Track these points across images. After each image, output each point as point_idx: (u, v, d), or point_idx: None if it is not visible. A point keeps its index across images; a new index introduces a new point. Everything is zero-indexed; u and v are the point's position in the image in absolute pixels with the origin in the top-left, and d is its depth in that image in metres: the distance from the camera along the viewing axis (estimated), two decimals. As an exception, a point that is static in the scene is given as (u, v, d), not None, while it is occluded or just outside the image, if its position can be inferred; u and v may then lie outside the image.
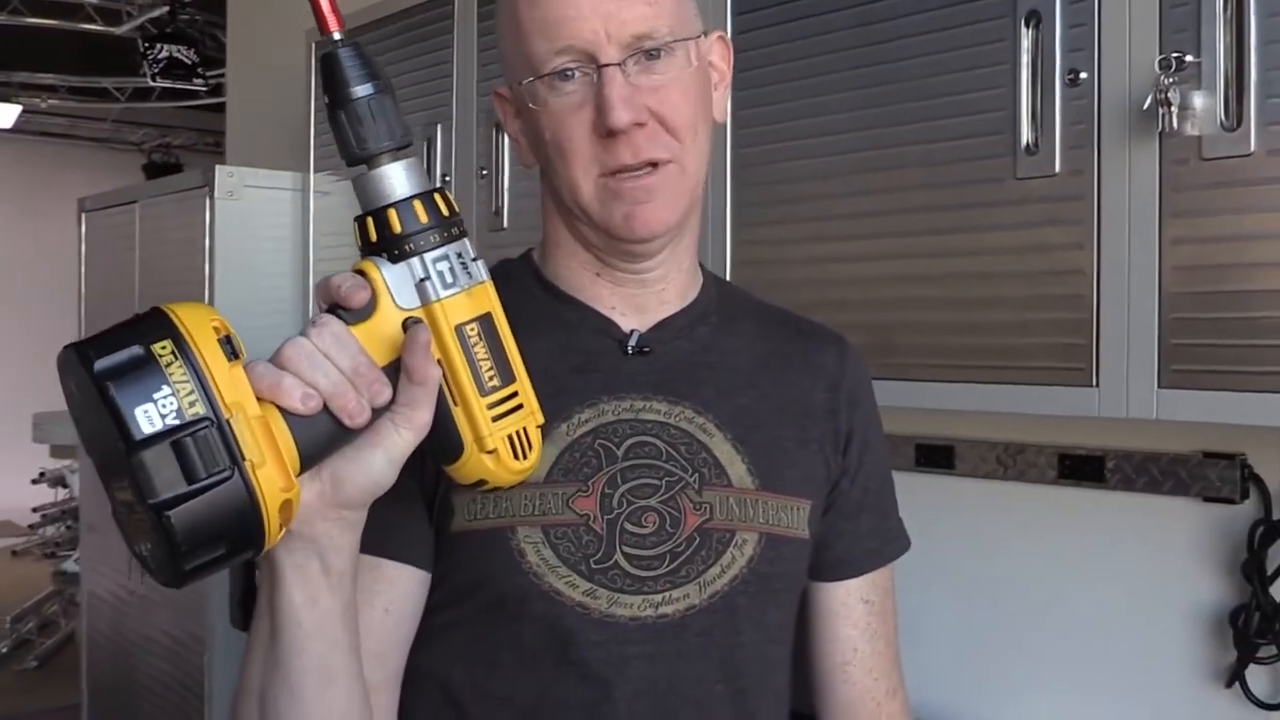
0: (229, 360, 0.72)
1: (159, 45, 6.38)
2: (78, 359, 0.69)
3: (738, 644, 0.99)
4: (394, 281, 0.80)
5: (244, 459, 0.71)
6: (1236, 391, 1.32)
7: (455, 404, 0.83)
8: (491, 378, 0.83)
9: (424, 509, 0.97)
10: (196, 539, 0.70)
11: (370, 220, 0.81)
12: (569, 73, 0.95)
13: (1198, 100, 1.32)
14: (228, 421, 0.70)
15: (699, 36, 1.00)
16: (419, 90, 2.51)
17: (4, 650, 5.89)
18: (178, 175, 3.45)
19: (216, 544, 0.71)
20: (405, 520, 0.96)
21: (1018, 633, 1.89)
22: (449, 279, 0.81)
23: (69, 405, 0.73)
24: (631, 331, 1.03)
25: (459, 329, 0.82)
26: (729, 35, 1.85)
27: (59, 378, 0.72)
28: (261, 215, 2.98)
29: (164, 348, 0.69)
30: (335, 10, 0.79)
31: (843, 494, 1.08)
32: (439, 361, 0.81)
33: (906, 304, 1.64)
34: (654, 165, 0.96)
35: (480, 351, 0.83)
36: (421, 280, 0.80)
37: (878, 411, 1.14)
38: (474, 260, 0.83)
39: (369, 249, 0.81)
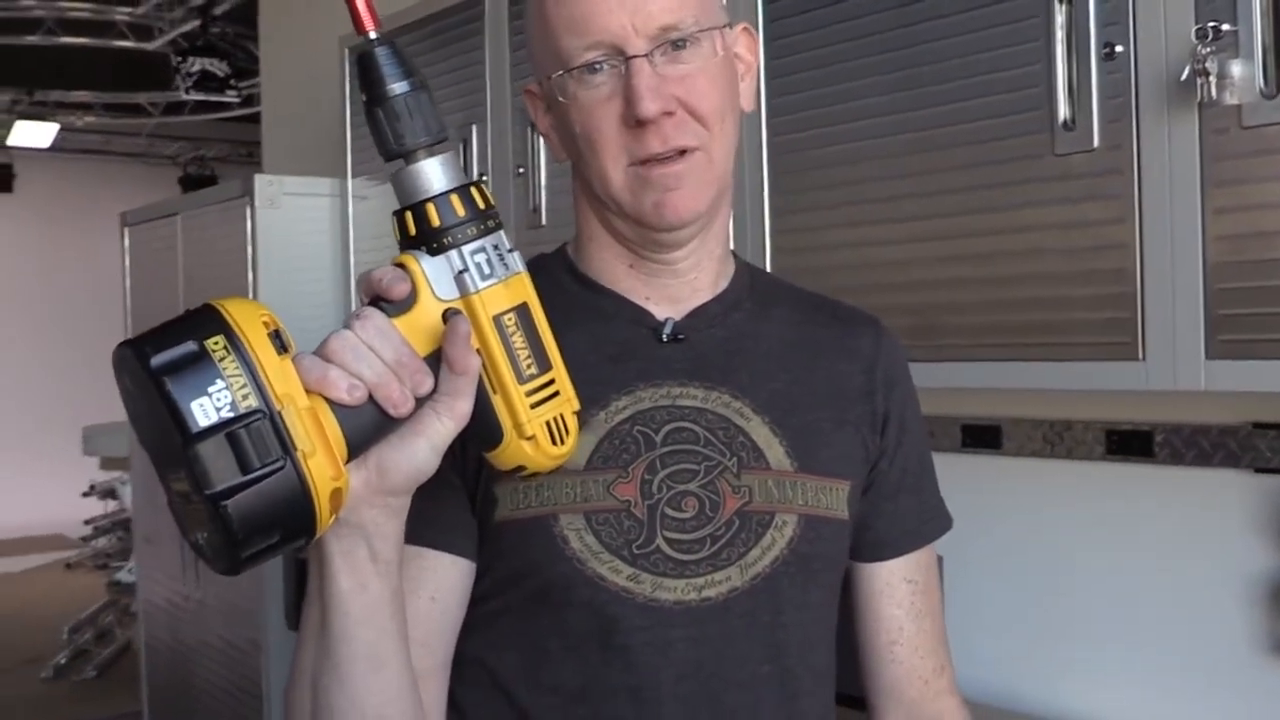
0: (279, 354, 0.74)
1: (191, 59, 6.45)
2: (134, 355, 0.70)
3: (780, 625, 1.00)
4: (433, 274, 0.82)
5: (295, 449, 0.72)
6: (1285, 360, 1.31)
7: (494, 392, 0.84)
8: (529, 366, 0.85)
9: (466, 499, 0.98)
10: (252, 527, 0.72)
11: (409, 214, 0.83)
12: (597, 66, 0.96)
13: (1236, 69, 1.31)
14: (279, 413, 0.72)
15: (724, 27, 1.01)
16: (454, 91, 2.53)
17: (63, 661, 5.96)
18: (218, 186, 3.47)
19: (271, 532, 0.73)
20: (447, 511, 0.97)
21: (1070, 610, 1.89)
22: (486, 270, 0.83)
23: (125, 402, 0.75)
24: (666, 320, 1.04)
25: (497, 319, 0.84)
26: (760, 22, 1.86)
27: (115, 375, 0.74)
28: (302, 222, 3.01)
29: (216, 343, 0.71)
30: (371, 10, 0.81)
31: (881, 475, 1.09)
32: (478, 351, 0.82)
33: (948, 285, 1.64)
34: (682, 153, 0.97)
35: (518, 340, 0.85)
36: (460, 272, 0.82)
37: (915, 392, 1.14)
38: (510, 251, 0.85)
39: (408, 243, 0.83)
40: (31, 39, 7.12)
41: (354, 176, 2.98)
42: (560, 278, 1.08)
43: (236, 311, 0.73)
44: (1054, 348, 1.53)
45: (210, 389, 0.70)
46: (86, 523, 7.73)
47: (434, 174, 0.82)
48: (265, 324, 0.74)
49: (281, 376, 0.73)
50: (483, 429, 0.85)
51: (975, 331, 1.61)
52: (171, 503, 0.75)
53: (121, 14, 7.07)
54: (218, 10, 6.56)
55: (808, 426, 1.04)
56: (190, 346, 0.71)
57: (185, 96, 6.79)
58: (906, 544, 1.10)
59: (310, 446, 0.73)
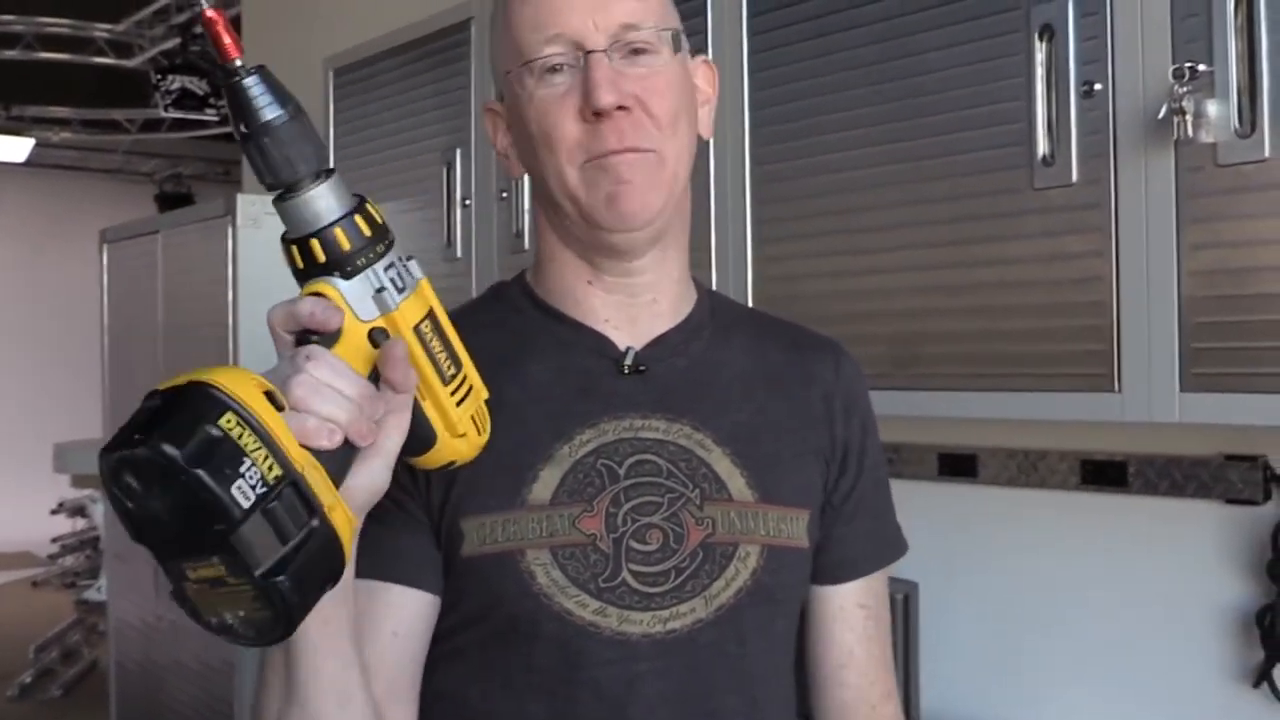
0: (279, 414, 0.73)
1: (171, 77, 6.44)
2: (152, 455, 0.68)
3: (746, 654, 1.00)
4: (352, 297, 0.81)
5: (321, 506, 0.73)
6: (1257, 393, 1.34)
7: (424, 399, 0.86)
8: (449, 367, 0.87)
9: (430, 534, 0.98)
10: (303, 593, 0.72)
11: (315, 242, 0.80)
12: (557, 66, 0.98)
13: (1212, 108, 1.34)
14: (301, 476, 0.72)
15: (679, 31, 1.03)
16: (438, 115, 2.55)
17: (28, 680, 5.90)
18: (200, 205, 3.48)
19: (317, 590, 0.74)
20: (410, 545, 0.98)
21: (1044, 639, 1.91)
22: (400, 284, 0.83)
23: (122, 504, 0.70)
24: (627, 349, 1.04)
25: (416, 329, 0.85)
26: (745, 53, 1.88)
27: (103, 476, 0.70)
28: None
29: (229, 421, 0.70)
30: (235, 39, 0.77)
31: (840, 498, 1.10)
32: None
33: (927, 314, 1.66)
34: (635, 152, 0.98)
35: (436, 345, 0.86)
36: (379, 291, 0.82)
37: (874, 417, 1.15)
38: (409, 260, 0.85)
39: (312, 270, 0.82)
40: (10, 53, 7.11)
41: (336, 197, 2.98)
42: (520, 304, 1.08)
43: (230, 384, 0.71)
44: (1031, 378, 1.55)
45: (242, 470, 0.69)
46: (54, 540, 7.67)
47: (330, 200, 0.80)
48: (259, 388, 0.73)
49: (291, 439, 0.73)
50: (416, 436, 0.86)
51: (954, 361, 1.63)
52: (180, 591, 0.73)
53: (101, 30, 7.07)
54: (198, 28, 6.56)
55: (768, 457, 1.04)
56: (212, 432, 0.69)
57: (165, 114, 6.77)
58: (863, 566, 1.11)
59: (330, 499, 0.74)
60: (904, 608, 1.92)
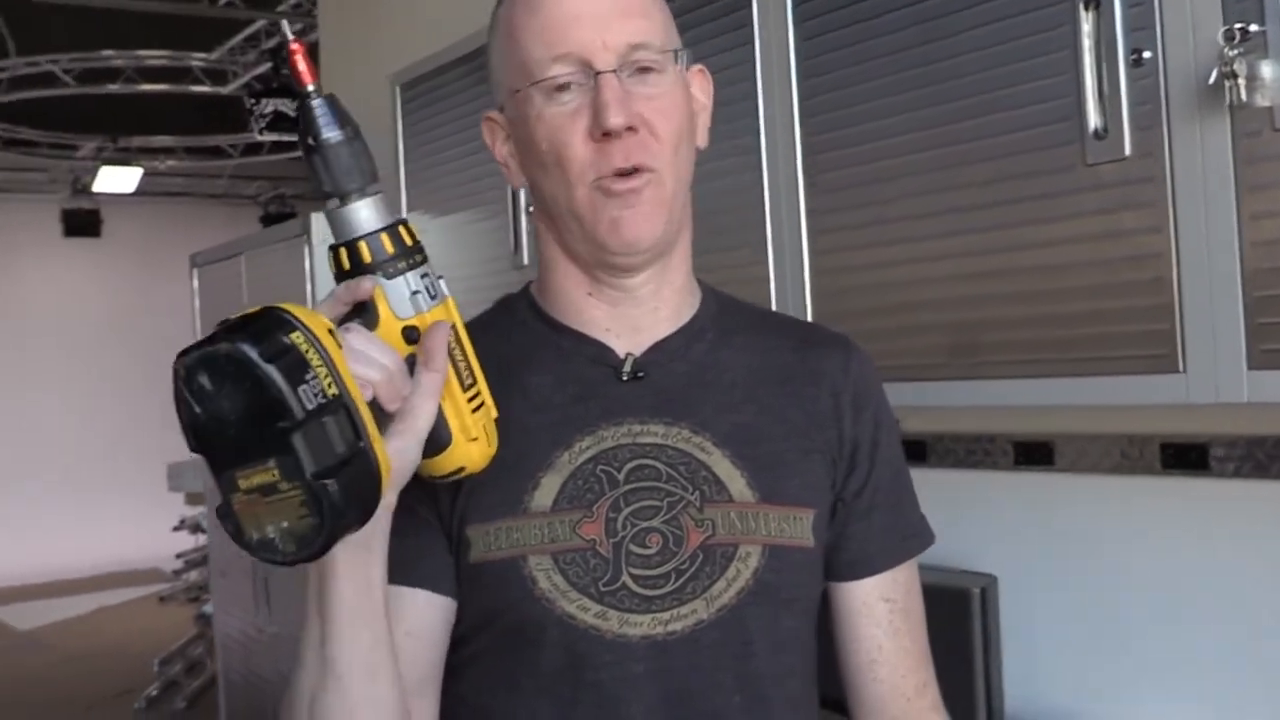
0: (339, 349, 0.81)
1: (264, 100, 6.59)
2: (231, 351, 0.75)
3: (750, 654, 1.01)
4: (392, 295, 0.91)
5: (368, 434, 0.80)
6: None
7: (444, 399, 0.92)
8: (467, 377, 0.94)
9: (443, 539, 1.02)
10: (346, 505, 0.78)
11: (363, 244, 0.90)
12: (566, 85, 0.99)
13: (1266, 70, 1.27)
14: (354, 402, 0.79)
15: (681, 50, 1.05)
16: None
17: (154, 693, 6.08)
18: (279, 225, 3.57)
19: (355, 512, 0.80)
20: (423, 550, 1.01)
21: (1131, 631, 1.84)
22: (432, 292, 0.92)
23: (189, 407, 0.77)
24: (627, 356, 1.06)
25: None
26: (791, 41, 1.85)
27: (179, 381, 0.77)
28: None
29: (299, 337, 0.77)
30: (310, 67, 0.89)
31: (852, 495, 1.09)
32: None
33: (983, 301, 1.61)
34: (639, 171, 1.00)
35: (458, 354, 0.93)
36: (414, 293, 0.91)
37: (889, 411, 1.14)
38: (439, 278, 0.94)
39: (358, 271, 0.91)
40: (112, 87, 7.34)
41: (409, 211, 3.02)
42: (525, 316, 1.11)
43: (301, 314, 0.79)
44: (1092, 362, 1.49)
45: (307, 377, 0.76)
46: (178, 556, 7.90)
47: (377, 210, 0.91)
48: (324, 325, 0.81)
49: (347, 371, 0.80)
50: (433, 434, 0.91)
51: (1012, 348, 1.58)
52: (228, 504, 0.78)
53: (197, 59, 7.26)
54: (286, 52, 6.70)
55: (771, 456, 1.05)
56: (284, 340, 0.76)
57: (260, 137, 6.93)
58: (880, 563, 1.10)
59: (374, 432, 0.81)
60: (981, 601, 1.87)
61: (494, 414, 0.97)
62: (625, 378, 1.05)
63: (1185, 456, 1.73)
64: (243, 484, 0.77)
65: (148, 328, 10.39)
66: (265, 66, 6.91)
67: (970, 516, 2.00)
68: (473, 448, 0.94)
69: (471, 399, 0.94)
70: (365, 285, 0.88)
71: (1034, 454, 1.93)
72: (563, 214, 1.02)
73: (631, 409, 1.04)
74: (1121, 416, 1.81)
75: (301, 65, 0.89)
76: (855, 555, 1.09)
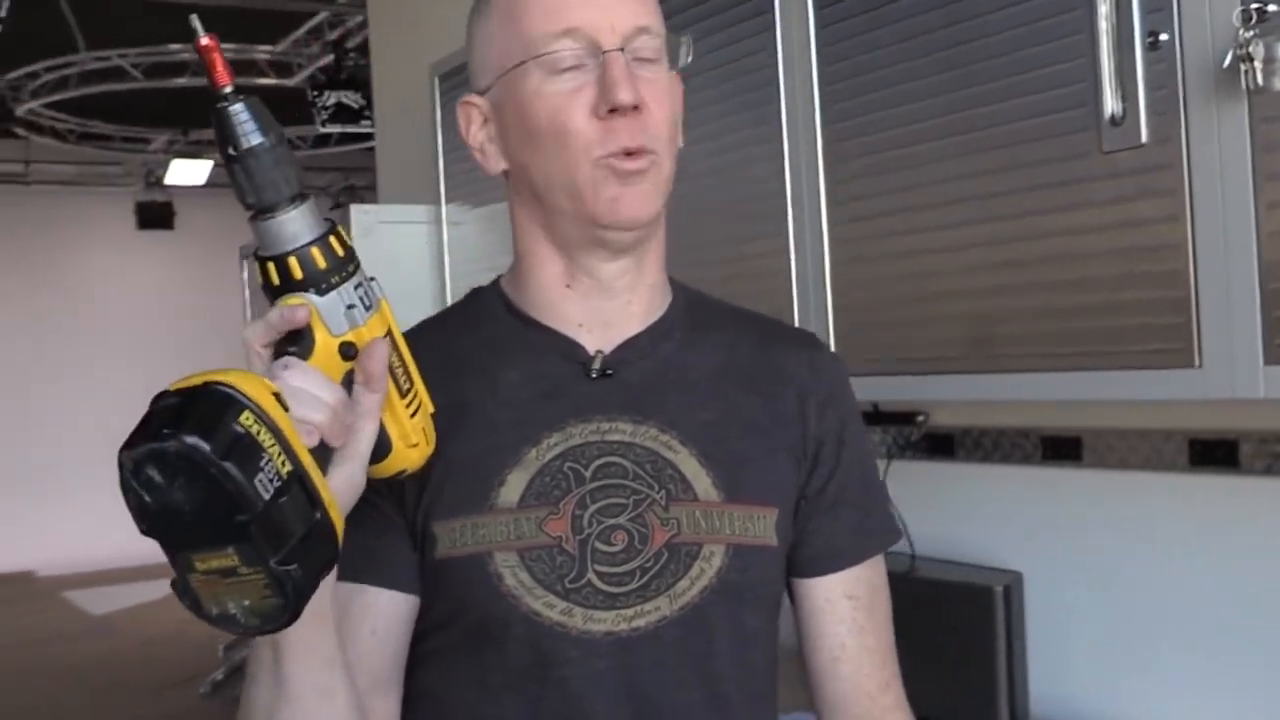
0: (287, 416, 0.77)
1: (326, 92, 6.65)
2: (181, 448, 0.71)
3: (713, 653, 1.01)
4: (326, 312, 0.85)
5: (322, 500, 0.77)
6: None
7: (383, 410, 0.90)
8: (405, 381, 0.92)
9: (407, 536, 1.01)
10: (309, 583, 0.76)
11: (293, 260, 0.85)
12: (572, 65, 0.98)
13: (1283, 52, 1.22)
14: (306, 472, 0.76)
15: (685, 41, 1.05)
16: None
17: (220, 678, 6.19)
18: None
19: (318, 579, 0.78)
20: (387, 548, 1.00)
21: (1159, 628, 1.79)
22: (366, 302, 0.87)
23: (137, 494, 0.73)
24: (596, 353, 1.05)
25: None
26: (811, 30, 1.83)
27: (126, 476, 0.73)
28: (397, 249, 3.08)
29: (248, 418, 0.73)
30: (226, 66, 0.81)
31: (815, 492, 1.08)
32: None
33: (999, 292, 1.58)
34: (644, 152, 0.99)
35: (394, 360, 0.90)
36: (349, 308, 0.86)
37: (856, 410, 1.13)
38: (372, 281, 0.89)
39: (288, 287, 0.86)
40: (180, 81, 7.45)
41: (448, 202, 3.03)
42: (495, 310, 1.09)
43: (244, 385, 0.75)
44: (1110, 356, 1.45)
45: (262, 464, 0.73)
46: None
47: (307, 221, 0.85)
48: (268, 390, 0.77)
49: (296, 438, 0.76)
50: (375, 445, 0.89)
51: (1029, 340, 1.54)
52: (185, 582, 0.75)
53: (261, 52, 7.35)
54: (350, 43, 6.76)
55: (736, 455, 1.04)
56: (236, 429, 0.72)
57: (323, 129, 7.00)
58: (843, 560, 1.09)
59: (329, 496, 0.78)
60: (1005, 598, 1.83)
61: (431, 410, 0.96)
62: (594, 375, 1.04)
63: (1213, 453, 1.68)
64: (200, 566, 0.74)
65: (219, 318, 10.59)
66: (328, 58, 6.97)
67: (997, 512, 1.96)
68: (412, 452, 0.93)
69: (409, 404, 0.93)
70: (300, 315, 0.83)
71: (1062, 449, 1.89)
72: (555, 193, 1.01)
73: (600, 406, 1.03)
74: (1150, 412, 1.76)
75: (218, 65, 0.82)
76: (818, 551, 1.08)
